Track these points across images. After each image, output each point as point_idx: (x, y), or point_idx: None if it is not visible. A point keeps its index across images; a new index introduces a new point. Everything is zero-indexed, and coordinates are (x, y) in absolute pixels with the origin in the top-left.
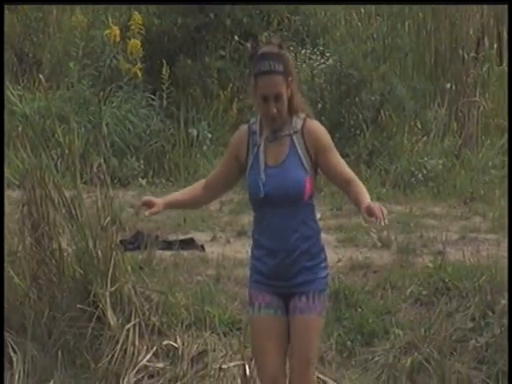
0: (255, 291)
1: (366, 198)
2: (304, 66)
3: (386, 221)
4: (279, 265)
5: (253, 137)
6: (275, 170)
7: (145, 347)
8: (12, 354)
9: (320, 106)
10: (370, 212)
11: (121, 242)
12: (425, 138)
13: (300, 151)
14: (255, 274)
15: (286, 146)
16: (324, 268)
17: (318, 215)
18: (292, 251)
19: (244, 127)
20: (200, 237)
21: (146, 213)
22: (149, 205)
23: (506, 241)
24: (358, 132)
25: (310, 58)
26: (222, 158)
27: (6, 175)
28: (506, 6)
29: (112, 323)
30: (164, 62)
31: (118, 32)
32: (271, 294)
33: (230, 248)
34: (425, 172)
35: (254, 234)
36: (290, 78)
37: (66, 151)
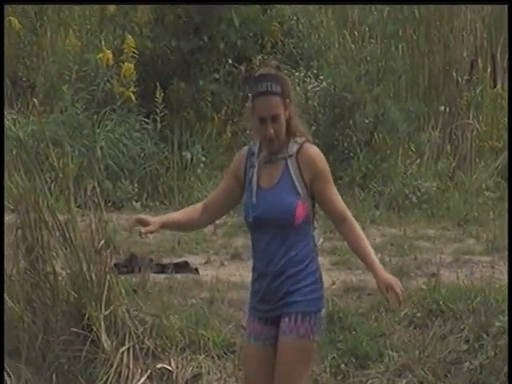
0: (249, 318)
1: (375, 259)
2: (298, 88)
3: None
4: (266, 288)
5: (251, 158)
6: (267, 193)
7: (139, 370)
8: (6, 377)
9: (314, 128)
10: (391, 288)
11: (115, 265)
12: (418, 160)
13: (293, 175)
14: (251, 297)
15: (280, 169)
16: (313, 291)
17: (321, 240)
18: (279, 275)
19: (245, 148)
20: (194, 260)
21: (142, 230)
22: (143, 224)
23: (507, 258)
24: (351, 155)
25: (304, 81)
26: (223, 178)
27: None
28: (506, 6)
29: (106, 346)
30: (158, 85)
31: (111, 55)
32: (262, 324)
33: (224, 271)
34: (419, 194)
35: (251, 256)
36: (287, 100)
37: (60, 175)
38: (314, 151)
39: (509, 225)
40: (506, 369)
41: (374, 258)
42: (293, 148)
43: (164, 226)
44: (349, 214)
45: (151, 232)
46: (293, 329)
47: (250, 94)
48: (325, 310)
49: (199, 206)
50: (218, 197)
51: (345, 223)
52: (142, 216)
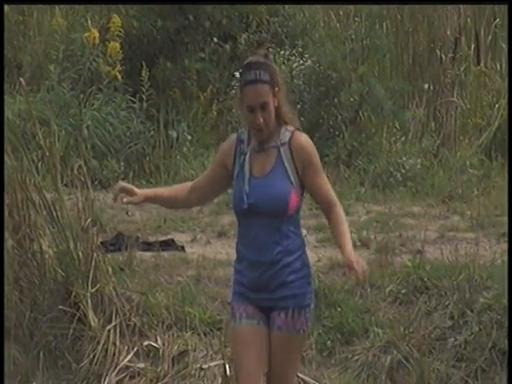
0: (237, 303)
1: (348, 243)
2: (283, 67)
3: (366, 279)
4: (260, 277)
5: (240, 146)
6: (260, 181)
7: (126, 348)
8: None
9: (299, 106)
10: (352, 267)
11: (101, 243)
12: (403, 138)
13: (287, 164)
14: (237, 286)
15: (273, 157)
16: (308, 283)
17: (304, 231)
18: (273, 264)
19: (233, 136)
20: (180, 238)
21: (124, 200)
22: (128, 193)
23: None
24: (336, 133)
25: (289, 59)
26: (210, 164)
27: None
28: (504, 6)
29: (93, 324)
30: (144, 64)
31: (97, 35)
32: (253, 306)
33: (211, 249)
34: (403, 172)
35: (237, 246)
36: (276, 88)
37: (47, 154)
38: (306, 140)
39: (509, 208)
40: (490, 344)
41: (347, 242)
42: (285, 136)
43: (149, 199)
44: (337, 201)
45: (133, 203)
46: (289, 325)
47: (237, 83)
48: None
49: (187, 185)
50: (206, 182)
51: (332, 209)
52: (127, 185)
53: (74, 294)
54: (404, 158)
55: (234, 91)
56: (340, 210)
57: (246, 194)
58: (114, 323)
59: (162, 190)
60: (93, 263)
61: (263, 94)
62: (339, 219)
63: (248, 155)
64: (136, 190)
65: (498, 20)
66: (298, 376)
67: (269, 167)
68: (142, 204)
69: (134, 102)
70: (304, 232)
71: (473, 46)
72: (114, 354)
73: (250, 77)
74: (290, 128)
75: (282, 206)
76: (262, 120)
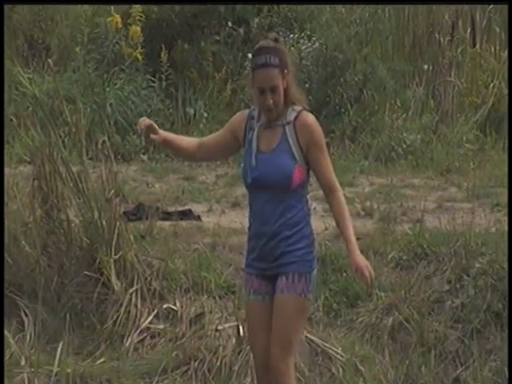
0: (247, 275)
1: (354, 241)
2: (292, 49)
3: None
4: (263, 247)
5: (251, 121)
6: (266, 156)
7: (146, 310)
8: (24, 317)
9: (307, 86)
10: (363, 273)
11: (124, 213)
12: (404, 115)
13: (291, 141)
14: (248, 254)
15: (278, 134)
16: (307, 253)
17: (314, 204)
18: (274, 236)
19: (245, 111)
20: (197, 208)
21: (151, 136)
22: (153, 130)
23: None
24: (342, 110)
25: (298, 42)
26: (221, 129)
27: (18, 152)
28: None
29: (116, 288)
30: (163, 46)
31: (119, 19)
32: (260, 279)
33: (225, 218)
34: (404, 146)
35: (248, 216)
36: (285, 71)
37: (73, 129)
38: (311, 119)
39: (509, 194)
40: (485, 307)
41: (352, 239)
42: (291, 115)
43: (166, 142)
44: (338, 185)
45: (155, 140)
46: (290, 287)
47: (250, 64)
48: (316, 270)
49: (196, 140)
50: (213, 145)
51: (333, 194)
52: (152, 123)
53: (98, 260)
54: (405, 134)
55: (246, 72)
56: (340, 195)
57: (252, 168)
58: (135, 287)
59: (177, 138)
60: (116, 231)
61: (273, 78)
62: (340, 206)
63: (256, 131)
64: (158, 130)
65: (491, 6)
66: (306, 336)
67: (274, 143)
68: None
69: (154, 82)
70: (313, 205)
71: (469, 30)
72: (135, 316)
73: (261, 61)
74: (297, 108)
75: (285, 181)
76: (271, 101)
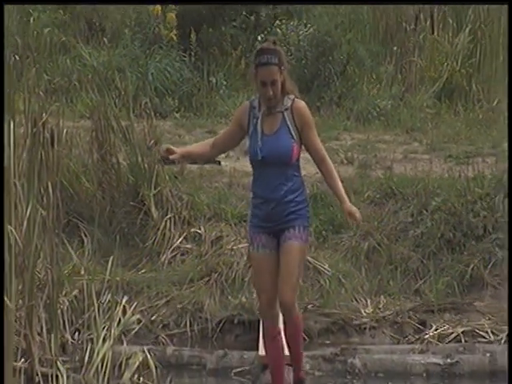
0: (254, 234)
1: (345, 195)
2: (293, 33)
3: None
4: (272, 211)
5: (253, 111)
6: (270, 138)
7: (178, 233)
8: (83, 237)
9: (303, 62)
10: (354, 217)
11: (161, 158)
12: (378, 85)
13: (289, 124)
14: (253, 218)
15: (279, 119)
16: (307, 211)
17: (303, 172)
18: (281, 200)
19: (246, 103)
20: None
21: (170, 157)
22: (170, 152)
23: (443, 158)
24: (330, 81)
25: (297, 28)
26: (228, 126)
27: (80, 109)
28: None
29: (154, 216)
30: (192, 29)
31: (160, 8)
32: (266, 235)
33: (239, 163)
34: (378, 110)
35: (252, 187)
36: (282, 67)
37: (122, 93)
38: (303, 105)
39: (509, 200)
40: (439, 235)
41: (343, 193)
42: (287, 103)
43: (184, 156)
44: (327, 156)
45: (175, 159)
46: (297, 236)
47: (253, 62)
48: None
49: (209, 142)
50: (224, 139)
51: (323, 162)
52: (170, 146)
53: (141, 194)
54: (378, 100)
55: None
56: (329, 162)
57: (259, 148)
58: (169, 215)
59: (191, 149)
60: (155, 172)
61: (273, 74)
62: (330, 169)
63: (260, 118)
64: (175, 149)
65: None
66: None
67: (276, 127)
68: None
69: (185, 57)
70: (303, 172)
71: (429, 21)
72: (169, 238)
73: (263, 60)
74: (291, 97)
75: (287, 157)
76: (271, 92)
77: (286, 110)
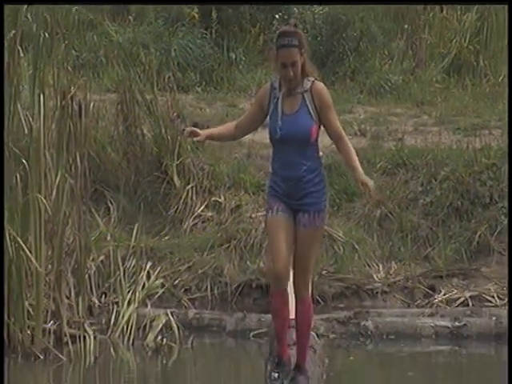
0: (273, 201)
1: (359, 167)
2: (309, 12)
3: (375, 195)
4: (290, 188)
5: (274, 92)
6: (290, 118)
7: (199, 202)
8: (109, 205)
9: (319, 39)
10: (366, 186)
11: (183, 129)
12: (390, 61)
13: (309, 104)
14: (272, 190)
15: (299, 100)
16: (324, 194)
17: (321, 153)
18: (300, 179)
19: (267, 84)
20: None
21: (195, 139)
22: (195, 134)
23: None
24: (344, 57)
25: (313, 7)
26: (250, 107)
27: (106, 83)
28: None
29: (177, 185)
30: (213, 8)
31: None
32: (285, 204)
33: (258, 135)
34: (389, 84)
35: (272, 164)
36: (302, 50)
37: (147, 68)
38: (323, 87)
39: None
40: (447, 204)
41: (358, 165)
42: (307, 85)
43: (208, 137)
44: (344, 134)
45: (199, 141)
46: (311, 222)
47: (274, 46)
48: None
49: (233, 124)
50: (246, 120)
51: (341, 140)
52: (195, 129)
53: (164, 164)
54: (390, 75)
55: (273, 28)
56: (347, 140)
57: (280, 127)
58: (191, 185)
59: (216, 130)
60: (177, 143)
61: (293, 55)
62: (348, 146)
63: (280, 98)
64: (199, 131)
65: None
66: None
67: (296, 107)
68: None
69: (206, 34)
70: (320, 153)
71: None
72: (191, 206)
73: (284, 42)
74: (311, 78)
75: (306, 136)
76: (292, 74)
77: (306, 91)
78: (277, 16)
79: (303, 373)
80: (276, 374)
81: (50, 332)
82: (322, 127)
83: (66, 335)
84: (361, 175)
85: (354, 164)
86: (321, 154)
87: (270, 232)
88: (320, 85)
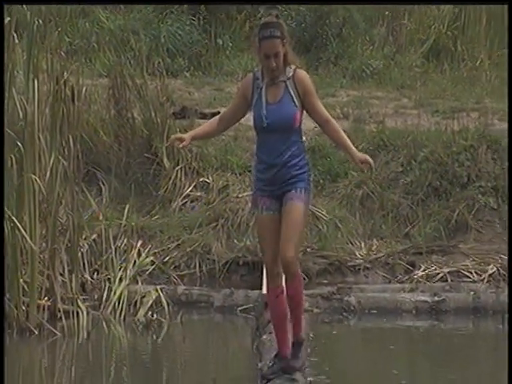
0: (259, 197)
1: (351, 145)
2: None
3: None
4: (275, 174)
5: (256, 82)
6: (274, 106)
7: (188, 182)
8: (101, 185)
9: (303, 25)
10: (366, 161)
11: (173, 113)
12: (371, 46)
13: (292, 92)
14: (258, 182)
15: (282, 88)
16: (308, 175)
17: (304, 138)
18: (285, 164)
19: (250, 75)
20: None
21: (180, 146)
22: (180, 140)
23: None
24: (327, 43)
25: None
26: (233, 99)
27: (98, 69)
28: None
29: (167, 166)
30: None
31: None
32: (270, 198)
33: (245, 118)
34: (371, 69)
35: (256, 152)
36: (284, 40)
37: (137, 53)
38: (305, 74)
39: (509, 192)
40: (427, 183)
41: (352, 146)
42: (289, 73)
43: (193, 139)
44: (330, 117)
45: (185, 146)
46: (298, 197)
47: (256, 37)
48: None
49: (216, 119)
50: (230, 112)
51: (328, 123)
52: (178, 135)
53: (154, 146)
54: (372, 60)
55: (259, 15)
56: (334, 122)
57: (265, 116)
58: (180, 166)
59: (199, 130)
60: (167, 126)
61: (276, 46)
62: (336, 127)
63: (263, 88)
64: (184, 136)
65: None
66: None
67: (279, 96)
68: None
69: (195, 21)
70: (303, 138)
71: None
72: (180, 187)
73: (266, 33)
74: (293, 67)
75: (290, 123)
76: (274, 64)
77: (289, 79)
78: (261, 6)
79: (300, 350)
80: (271, 363)
81: (44, 308)
82: (304, 112)
83: (59, 311)
84: (356, 153)
85: (346, 143)
86: (303, 138)
87: (258, 231)
88: (302, 73)
